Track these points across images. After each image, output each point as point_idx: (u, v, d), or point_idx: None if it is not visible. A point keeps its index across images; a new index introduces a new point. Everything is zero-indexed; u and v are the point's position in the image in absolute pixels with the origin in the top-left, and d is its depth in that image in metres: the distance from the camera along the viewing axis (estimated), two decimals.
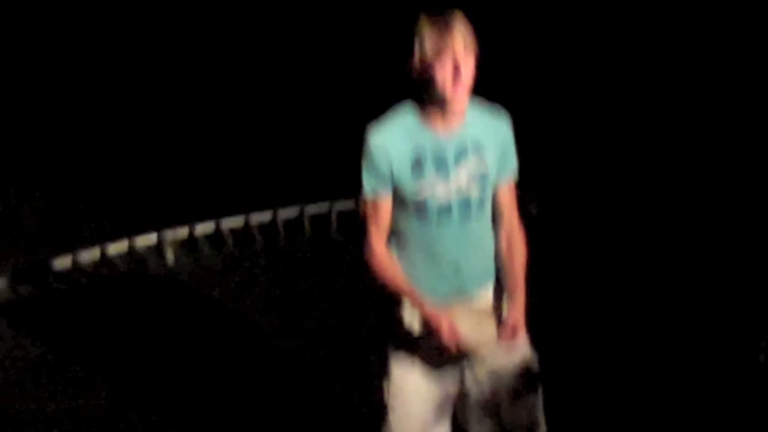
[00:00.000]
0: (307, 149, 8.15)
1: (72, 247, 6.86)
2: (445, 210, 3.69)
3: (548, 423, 3.94)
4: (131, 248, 6.90)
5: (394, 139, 3.65)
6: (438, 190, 3.67)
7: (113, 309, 6.32)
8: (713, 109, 8.01)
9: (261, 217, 7.18)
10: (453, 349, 3.66)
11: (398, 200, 3.71)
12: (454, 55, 3.56)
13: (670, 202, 7.00)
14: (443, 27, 3.56)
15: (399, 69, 3.67)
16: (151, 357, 5.75)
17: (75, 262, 6.77)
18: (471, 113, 3.70)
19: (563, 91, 8.45)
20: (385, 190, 3.69)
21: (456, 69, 3.56)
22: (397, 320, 3.76)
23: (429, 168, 3.66)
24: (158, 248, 6.92)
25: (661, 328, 5.65)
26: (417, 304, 3.70)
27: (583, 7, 9.03)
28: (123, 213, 7.52)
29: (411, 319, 3.75)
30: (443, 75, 3.57)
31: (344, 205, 7.16)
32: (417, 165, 3.66)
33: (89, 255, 6.83)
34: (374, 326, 3.87)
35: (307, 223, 7.18)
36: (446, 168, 3.67)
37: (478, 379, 3.84)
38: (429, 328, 3.67)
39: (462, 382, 3.85)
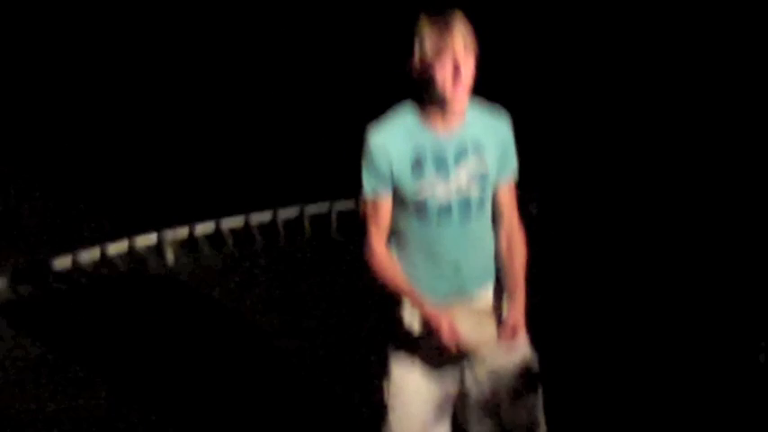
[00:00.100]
0: (307, 150, 8.15)
1: (72, 247, 6.86)
2: (445, 210, 3.69)
3: (548, 423, 3.93)
4: (131, 248, 6.89)
5: (394, 140, 3.65)
6: (438, 190, 3.67)
7: (113, 309, 6.32)
8: (712, 109, 8.01)
9: (261, 217, 7.18)
10: (453, 349, 3.66)
11: (398, 200, 3.70)
12: (454, 55, 3.55)
13: (670, 203, 6.99)
14: (443, 27, 3.55)
15: (399, 69, 3.67)
16: (151, 357, 5.75)
17: (75, 262, 6.77)
18: (471, 113, 3.70)
19: (563, 91, 8.45)
20: (385, 190, 3.68)
21: (456, 69, 3.56)
22: (397, 320, 3.76)
23: (429, 168, 3.66)
24: (158, 248, 6.92)
25: (661, 329, 5.65)
26: (417, 304, 3.70)
27: (582, 8, 9.03)
28: (123, 213, 7.51)
29: (411, 319, 3.74)
30: (443, 75, 3.56)
31: (344, 205, 7.16)
32: (417, 165, 3.66)
33: (89, 255, 6.82)
34: (374, 326, 3.87)
35: (307, 223, 7.18)
36: (446, 168, 3.67)
37: (478, 379, 3.84)
38: (429, 328, 3.67)
39: (462, 382, 3.84)
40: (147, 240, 6.94)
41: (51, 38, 9.93)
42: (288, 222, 7.17)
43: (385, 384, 3.82)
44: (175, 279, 6.67)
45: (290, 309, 6.24)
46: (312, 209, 7.23)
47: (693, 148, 7.60)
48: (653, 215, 6.88)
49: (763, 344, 5.36)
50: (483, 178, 3.71)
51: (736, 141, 7.62)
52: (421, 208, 3.69)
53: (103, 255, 6.84)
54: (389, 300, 3.76)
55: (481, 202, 3.73)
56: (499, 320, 3.77)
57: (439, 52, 3.55)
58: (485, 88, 3.83)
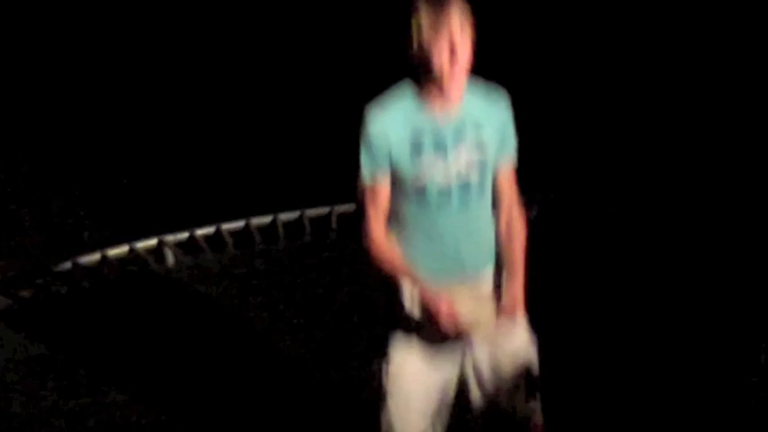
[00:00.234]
0: (307, 154, 8.14)
1: (72, 253, 6.86)
2: (445, 194, 3.68)
3: (548, 422, 3.92)
4: (131, 252, 6.90)
5: (393, 123, 3.64)
6: (437, 173, 3.66)
7: (114, 310, 6.32)
8: (713, 112, 8.01)
9: (261, 221, 7.18)
10: (452, 332, 3.65)
11: (398, 184, 3.69)
12: (451, 36, 3.54)
13: (670, 204, 6.99)
14: (440, 9, 3.55)
15: (398, 70, 3.67)
16: (151, 358, 5.75)
17: (75, 265, 6.77)
18: (469, 94, 3.69)
19: (563, 91, 8.45)
20: (383, 174, 3.67)
21: (453, 50, 3.55)
22: (397, 306, 3.75)
23: (428, 150, 3.65)
24: (158, 251, 6.92)
25: (662, 329, 5.65)
26: (416, 287, 3.68)
27: (582, 9, 9.04)
28: (124, 219, 7.51)
29: (411, 304, 3.74)
30: (440, 56, 3.55)
31: (345, 209, 7.16)
32: (416, 147, 3.65)
33: (89, 258, 6.83)
34: (374, 326, 3.87)
35: (306, 223, 7.18)
36: (444, 150, 3.65)
37: (477, 364, 3.83)
38: (428, 312, 3.66)
39: (462, 366, 3.84)
40: (147, 244, 6.94)
41: (52, 39, 9.95)
42: (288, 224, 7.17)
43: (383, 370, 3.81)
44: (175, 279, 6.67)
45: (289, 309, 6.23)
46: (312, 212, 7.23)
47: (693, 150, 7.60)
48: (654, 217, 6.87)
49: (764, 345, 5.35)
50: (482, 162, 3.70)
51: (736, 141, 7.62)
52: (420, 192, 3.67)
53: (104, 257, 6.84)
54: (390, 298, 3.76)
55: (481, 187, 3.72)
56: (499, 303, 3.76)
57: (436, 34, 3.54)
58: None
